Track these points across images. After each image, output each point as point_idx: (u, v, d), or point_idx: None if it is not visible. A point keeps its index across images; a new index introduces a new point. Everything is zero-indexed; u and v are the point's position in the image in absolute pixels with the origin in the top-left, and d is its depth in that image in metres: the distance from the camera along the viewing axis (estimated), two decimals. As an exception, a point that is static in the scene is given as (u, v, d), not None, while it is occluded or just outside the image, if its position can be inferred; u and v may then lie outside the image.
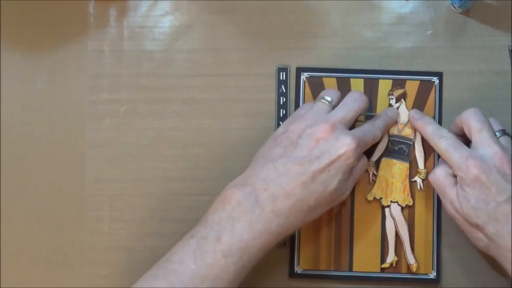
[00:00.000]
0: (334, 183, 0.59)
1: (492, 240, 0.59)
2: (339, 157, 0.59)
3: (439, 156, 0.66)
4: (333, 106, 0.63)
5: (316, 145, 0.59)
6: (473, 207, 0.59)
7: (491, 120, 0.64)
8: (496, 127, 0.64)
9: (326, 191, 0.59)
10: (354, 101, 0.63)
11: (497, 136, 0.62)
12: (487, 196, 0.59)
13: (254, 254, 0.58)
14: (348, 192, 0.62)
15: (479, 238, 0.61)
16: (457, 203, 0.61)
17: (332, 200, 0.61)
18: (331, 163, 0.59)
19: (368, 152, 0.66)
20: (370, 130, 0.63)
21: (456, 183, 0.62)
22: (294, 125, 0.61)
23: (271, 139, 0.62)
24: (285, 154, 0.60)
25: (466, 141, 0.63)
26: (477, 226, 0.60)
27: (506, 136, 0.63)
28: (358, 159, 0.61)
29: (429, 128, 0.64)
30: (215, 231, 0.58)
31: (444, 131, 0.64)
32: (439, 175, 0.63)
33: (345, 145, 0.59)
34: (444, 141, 0.62)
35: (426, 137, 0.65)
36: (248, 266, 0.59)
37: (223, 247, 0.57)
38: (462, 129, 0.64)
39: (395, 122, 0.67)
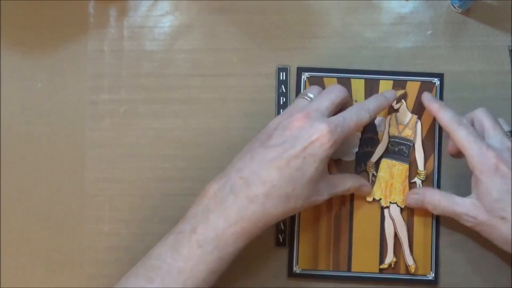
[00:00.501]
0: (311, 170, 0.58)
1: None
2: (312, 142, 0.58)
3: (439, 156, 0.66)
4: None
5: (291, 133, 0.59)
6: (496, 199, 0.59)
7: (500, 120, 0.64)
8: (505, 127, 0.64)
9: (304, 178, 0.58)
10: (330, 91, 0.62)
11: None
12: (509, 187, 0.59)
13: (231, 243, 0.58)
14: (323, 195, 0.61)
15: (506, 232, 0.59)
16: (475, 209, 0.60)
17: (309, 194, 0.59)
18: (305, 148, 0.58)
19: (368, 153, 0.66)
20: (353, 113, 0.61)
21: (451, 194, 0.62)
22: (272, 122, 0.62)
23: (255, 138, 0.63)
24: (261, 145, 0.60)
25: None
26: (502, 220, 0.59)
27: None
28: (334, 146, 0.59)
29: (448, 113, 0.62)
30: (191, 224, 0.58)
31: (463, 119, 0.63)
32: (441, 201, 0.62)
33: (318, 130, 0.58)
34: (464, 129, 0.61)
35: (442, 122, 0.63)
36: (228, 256, 0.58)
37: (198, 237, 0.58)
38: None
39: (397, 119, 0.67)
